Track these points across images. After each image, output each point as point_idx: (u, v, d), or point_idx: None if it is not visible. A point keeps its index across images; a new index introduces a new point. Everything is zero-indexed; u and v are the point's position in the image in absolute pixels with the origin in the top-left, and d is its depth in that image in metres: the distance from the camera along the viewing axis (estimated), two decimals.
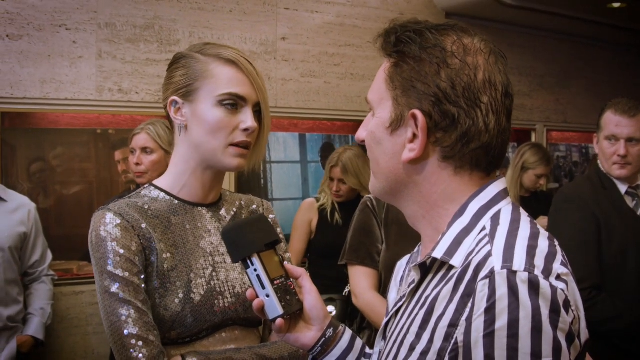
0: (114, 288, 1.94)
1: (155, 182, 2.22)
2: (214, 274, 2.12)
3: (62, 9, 5.11)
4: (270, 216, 2.38)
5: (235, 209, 2.31)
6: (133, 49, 5.38)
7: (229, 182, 5.56)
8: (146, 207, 2.11)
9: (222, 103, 2.07)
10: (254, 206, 2.39)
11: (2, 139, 4.87)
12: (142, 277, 2.00)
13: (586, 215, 3.50)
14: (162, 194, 2.16)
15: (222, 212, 2.26)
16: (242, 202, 2.37)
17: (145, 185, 2.22)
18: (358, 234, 3.68)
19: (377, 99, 1.50)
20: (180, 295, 2.02)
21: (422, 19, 1.50)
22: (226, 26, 5.77)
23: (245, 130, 2.08)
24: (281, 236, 2.36)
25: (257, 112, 2.15)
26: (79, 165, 5.24)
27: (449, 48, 1.40)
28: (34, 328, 4.31)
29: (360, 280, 3.63)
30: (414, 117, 1.39)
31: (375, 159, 1.53)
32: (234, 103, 2.07)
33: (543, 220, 5.41)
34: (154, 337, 1.94)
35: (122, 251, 1.97)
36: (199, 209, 2.19)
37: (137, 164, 4.21)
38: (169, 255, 2.06)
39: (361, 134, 1.57)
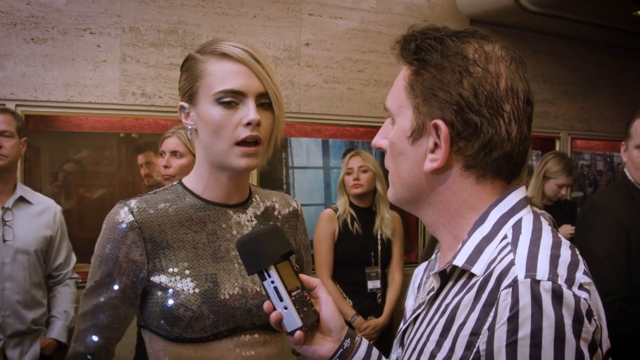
0: (95, 289, 2.07)
1: (183, 180, 2.22)
2: (236, 275, 2.11)
3: (87, 13, 5.13)
4: (300, 222, 2.41)
5: (264, 208, 2.29)
6: (157, 53, 5.40)
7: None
8: (167, 205, 2.12)
9: (218, 101, 2.02)
10: (291, 208, 2.39)
11: (26, 142, 4.88)
12: (130, 287, 2.05)
13: (615, 225, 3.42)
14: (188, 193, 2.16)
15: (249, 212, 2.23)
16: (275, 202, 2.35)
17: (174, 183, 2.23)
18: (430, 236, 3.79)
19: (397, 106, 1.49)
20: (199, 295, 2.02)
21: (446, 26, 1.49)
22: (250, 31, 5.78)
23: (248, 124, 2.00)
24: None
25: (269, 104, 2.09)
26: (102, 168, 5.25)
27: (471, 56, 1.39)
28: (57, 331, 4.34)
29: None
30: (436, 127, 1.38)
31: (395, 169, 1.52)
32: (230, 100, 2.01)
33: (566, 229, 5.39)
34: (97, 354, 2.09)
35: (119, 256, 2.03)
36: (224, 209, 2.17)
37: (166, 167, 4.19)
38: (186, 255, 2.06)
39: (381, 142, 1.56)
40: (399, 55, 1.49)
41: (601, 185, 8.09)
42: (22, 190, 4.32)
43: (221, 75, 2.03)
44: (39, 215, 4.33)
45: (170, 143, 4.22)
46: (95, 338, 2.05)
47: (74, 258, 4.58)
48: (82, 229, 5.12)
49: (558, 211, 5.71)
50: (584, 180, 8.08)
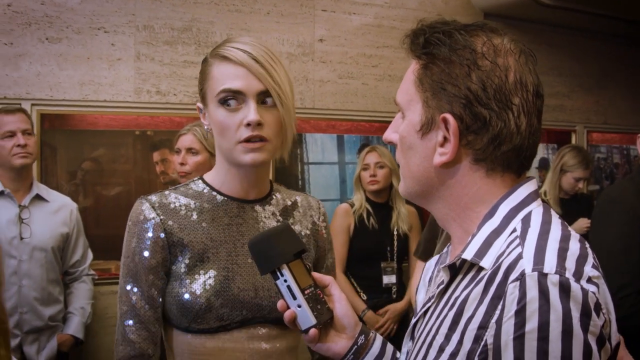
0: (127, 285, 2.12)
1: (204, 175, 2.25)
2: (249, 269, 2.12)
3: (101, 12, 5.16)
4: (322, 224, 2.40)
5: (283, 206, 2.29)
6: (171, 51, 5.42)
7: None
8: (187, 200, 2.15)
9: (221, 102, 2.04)
10: (312, 212, 2.37)
11: (43, 140, 4.92)
12: (158, 279, 2.10)
13: (630, 218, 3.38)
14: (207, 188, 2.19)
15: (268, 208, 2.24)
16: (297, 202, 2.35)
17: (195, 178, 2.26)
18: (425, 230, 3.93)
19: (406, 100, 1.49)
20: (210, 287, 2.06)
21: (456, 19, 1.48)
22: (263, 28, 5.79)
23: (248, 125, 2.01)
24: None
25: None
26: (118, 166, 5.29)
27: (479, 49, 1.39)
28: (74, 327, 4.37)
29: (415, 274, 3.85)
30: (445, 121, 1.38)
31: (406, 163, 1.52)
32: (231, 99, 2.03)
33: (582, 222, 5.36)
34: (145, 349, 2.10)
35: (144, 249, 2.09)
36: (242, 204, 2.19)
37: (182, 164, 4.21)
38: (201, 248, 2.09)
39: (391, 136, 1.56)
40: (408, 50, 1.49)
41: (618, 178, 8.04)
42: (38, 188, 4.36)
43: (221, 77, 2.06)
44: (55, 213, 4.37)
45: (186, 140, 4.23)
46: (140, 334, 2.08)
47: (90, 255, 4.62)
48: (98, 227, 5.16)
49: (575, 204, 5.68)
50: (601, 173, 8.03)
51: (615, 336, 1.31)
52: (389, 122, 1.59)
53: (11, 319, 4.03)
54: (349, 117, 6.24)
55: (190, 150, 4.22)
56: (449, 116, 1.37)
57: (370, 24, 6.32)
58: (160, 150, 5.37)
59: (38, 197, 4.32)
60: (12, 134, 4.11)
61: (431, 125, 1.42)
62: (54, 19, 5.02)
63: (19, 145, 4.11)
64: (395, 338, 4.92)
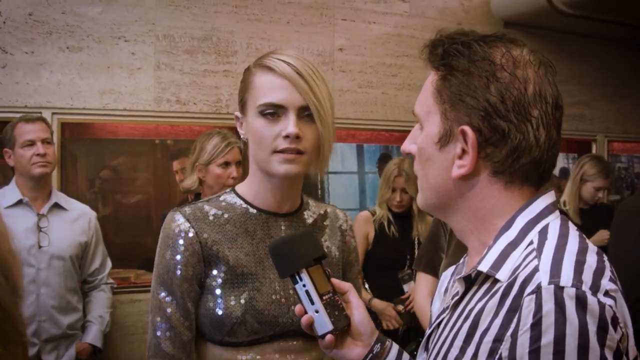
0: (162, 296, 2.09)
1: (237, 187, 2.25)
2: (280, 283, 2.12)
3: (121, 21, 5.19)
4: (350, 235, 2.41)
5: (313, 220, 2.29)
6: (191, 60, 5.44)
7: None
8: (220, 212, 2.15)
9: (261, 113, 2.03)
10: (339, 223, 2.37)
11: (63, 149, 4.94)
12: (193, 291, 2.10)
13: None
14: (239, 201, 2.19)
15: (299, 222, 2.23)
16: (328, 212, 2.35)
17: (227, 190, 2.25)
18: (426, 242, 3.93)
19: (425, 112, 1.48)
20: (244, 301, 2.06)
21: (479, 28, 1.47)
22: (283, 37, 5.80)
23: (287, 137, 2.00)
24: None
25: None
26: (138, 174, 5.32)
27: (498, 61, 1.38)
28: (93, 336, 4.37)
29: (418, 287, 3.85)
30: (464, 133, 1.38)
31: (424, 175, 1.51)
32: (273, 112, 2.02)
33: (603, 234, 5.30)
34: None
35: (178, 261, 2.07)
36: (274, 217, 2.18)
37: (235, 178, 4.22)
38: (235, 262, 2.09)
39: (410, 147, 1.56)
40: (426, 60, 1.48)
41: (639, 187, 7.99)
42: (57, 196, 4.37)
43: (264, 88, 2.05)
44: (74, 222, 4.38)
45: (236, 153, 4.26)
46: (174, 345, 2.08)
47: (109, 263, 4.62)
48: (118, 235, 5.18)
49: (594, 215, 5.65)
50: (622, 183, 7.99)
51: (633, 350, 1.29)
52: (409, 132, 1.58)
53: (29, 327, 4.03)
54: (369, 126, 6.24)
55: (238, 163, 4.27)
56: (467, 128, 1.37)
57: (390, 33, 6.32)
58: (180, 159, 5.37)
59: (57, 206, 4.32)
60: (31, 143, 4.13)
61: (449, 137, 1.41)
62: (74, 28, 5.05)
63: (38, 155, 4.12)
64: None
